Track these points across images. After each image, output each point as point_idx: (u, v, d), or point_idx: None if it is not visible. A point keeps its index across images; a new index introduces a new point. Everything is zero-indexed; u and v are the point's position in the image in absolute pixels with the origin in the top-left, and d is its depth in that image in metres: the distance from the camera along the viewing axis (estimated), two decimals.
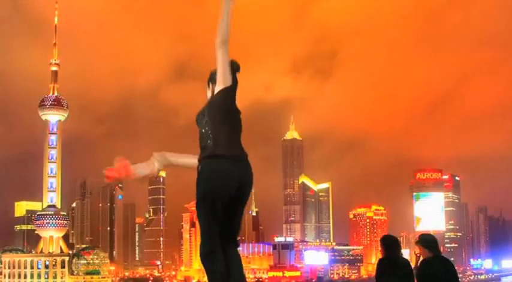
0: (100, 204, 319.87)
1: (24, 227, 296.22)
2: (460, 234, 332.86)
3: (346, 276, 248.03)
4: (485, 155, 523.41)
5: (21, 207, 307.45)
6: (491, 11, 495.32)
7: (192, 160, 5.82)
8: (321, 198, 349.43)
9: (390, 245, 9.20)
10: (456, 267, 9.43)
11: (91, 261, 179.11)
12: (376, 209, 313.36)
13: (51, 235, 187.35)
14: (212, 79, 5.86)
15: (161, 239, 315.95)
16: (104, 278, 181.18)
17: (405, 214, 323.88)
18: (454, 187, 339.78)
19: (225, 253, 5.63)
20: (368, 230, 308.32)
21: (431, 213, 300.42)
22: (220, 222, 5.60)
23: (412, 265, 9.25)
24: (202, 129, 5.72)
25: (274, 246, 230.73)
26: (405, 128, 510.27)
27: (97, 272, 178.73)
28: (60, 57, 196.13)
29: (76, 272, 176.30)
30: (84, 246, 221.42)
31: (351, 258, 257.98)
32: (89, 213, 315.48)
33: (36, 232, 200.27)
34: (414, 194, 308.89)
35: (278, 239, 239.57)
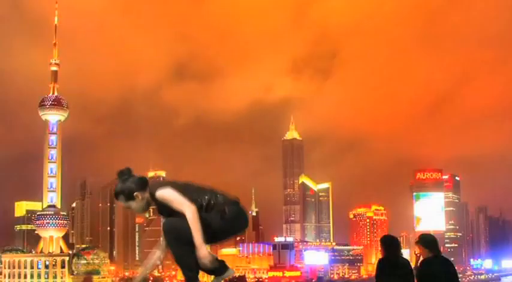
0: (100, 204, 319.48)
1: (24, 227, 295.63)
2: (460, 234, 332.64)
3: (346, 276, 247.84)
4: (485, 155, 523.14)
5: (21, 207, 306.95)
6: (491, 11, 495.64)
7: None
8: (321, 198, 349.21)
9: (390, 245, 9.19)
10: (456, 267, 9.42)
11: (91, 261, 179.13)
12: (376, 209, 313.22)
13: (51, 235, 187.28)
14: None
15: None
16: (104, 278, 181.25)
17: (405, 214, 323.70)
18: (454, 187, 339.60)
19: None
20: (368, 230, 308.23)
21: (431, 213, 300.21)
22: None
23: (412, 265, 9.24)
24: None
25: (274, 246, 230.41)
26: (405, 128, 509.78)
27: (97, 272, 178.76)
28: (60, 57, 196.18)
29: (76, 272, 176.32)
30: (84, 246, 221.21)
31: (351, 258, 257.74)
32: (89, 213, 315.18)
33: (36, 232, 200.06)
34: (414, 194, 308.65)
35: (278, 239, 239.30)
